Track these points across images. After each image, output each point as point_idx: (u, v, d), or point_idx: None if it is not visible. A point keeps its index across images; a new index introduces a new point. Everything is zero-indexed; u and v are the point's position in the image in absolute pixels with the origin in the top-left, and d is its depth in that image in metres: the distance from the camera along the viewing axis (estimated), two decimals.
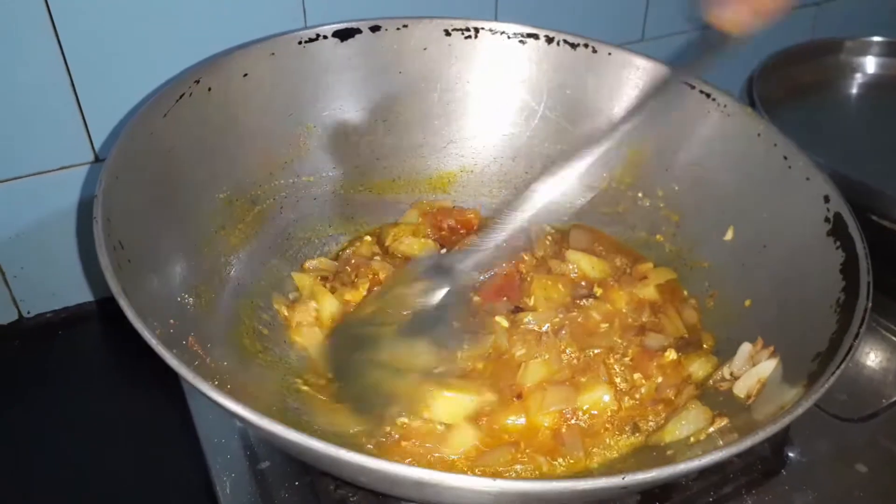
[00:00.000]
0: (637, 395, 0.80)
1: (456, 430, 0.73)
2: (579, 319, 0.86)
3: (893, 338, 0.99)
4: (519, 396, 0.78)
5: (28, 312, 1.08)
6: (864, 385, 0.93)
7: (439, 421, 0.74)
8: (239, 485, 0.78)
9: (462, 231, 1.00)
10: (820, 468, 0.82)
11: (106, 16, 0.89)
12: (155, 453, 0.92)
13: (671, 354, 0.83)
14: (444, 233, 1.01)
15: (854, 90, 1.39)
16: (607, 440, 0.77)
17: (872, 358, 0.97)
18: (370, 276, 0.88)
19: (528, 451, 0.74)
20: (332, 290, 0.89)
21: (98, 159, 0.99)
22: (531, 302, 0.88)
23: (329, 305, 0.87)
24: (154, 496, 0.89)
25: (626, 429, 0.78)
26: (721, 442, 0.68)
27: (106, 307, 1.10)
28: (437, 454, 0.73)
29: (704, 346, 0.87)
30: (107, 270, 0.60)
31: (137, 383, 1.01)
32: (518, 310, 0.88)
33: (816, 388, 0.60)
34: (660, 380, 0.81)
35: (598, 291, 0.90)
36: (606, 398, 0.79)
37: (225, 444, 0.82)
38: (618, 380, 0.81)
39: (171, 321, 0.68)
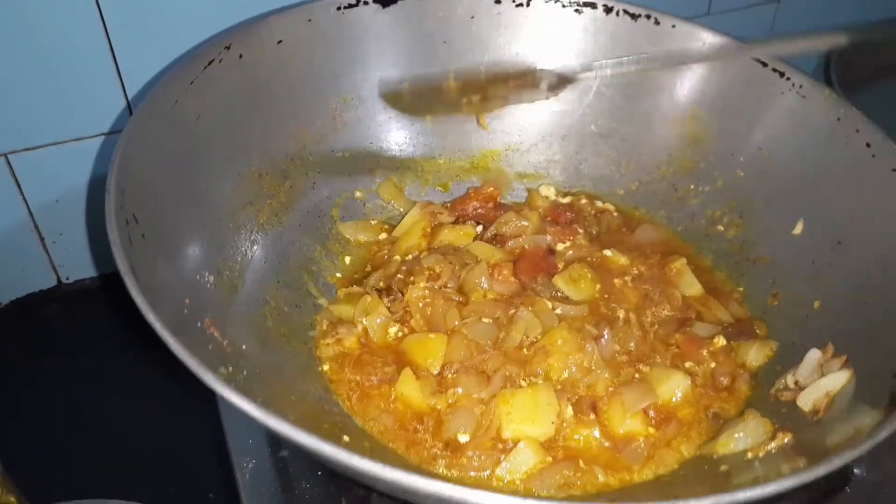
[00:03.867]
0: (697, 381, 0.76)
1: (516, 452, 0.68)
2: (619, 314, 0.81)
3: None
4: (593, 409, 0.72)
5: (67, 278, 1.07)
6: None
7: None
8: (259, 472, 0.75)
9: (490, 205, 0.95)
10: (888, 487, 0.74)
11: None
12: (177, 424, 0.90)
13: (720, 341, 0.79)
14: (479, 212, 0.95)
15: None
16: (678, 445, 0.71)
17: None
18: (426, 273, 0.82)
19: (585, 466, 0.68)
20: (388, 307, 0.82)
21: None
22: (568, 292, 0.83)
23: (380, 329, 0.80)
24: (172, 463, 0.87)
25: (708, 416, 0.74)
26: (783, 461, 0.61)
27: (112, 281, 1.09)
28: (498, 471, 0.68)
29: (758, 332, 0.81)
30: (115, 245, 0.56)
31: (155, 361, 0.99)
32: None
33: None
34: (713, 365, 0.77)
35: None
36: (685, 382, 0.74)
37: (247, 430, 0.78)
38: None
39: (187, 301, 0.64)
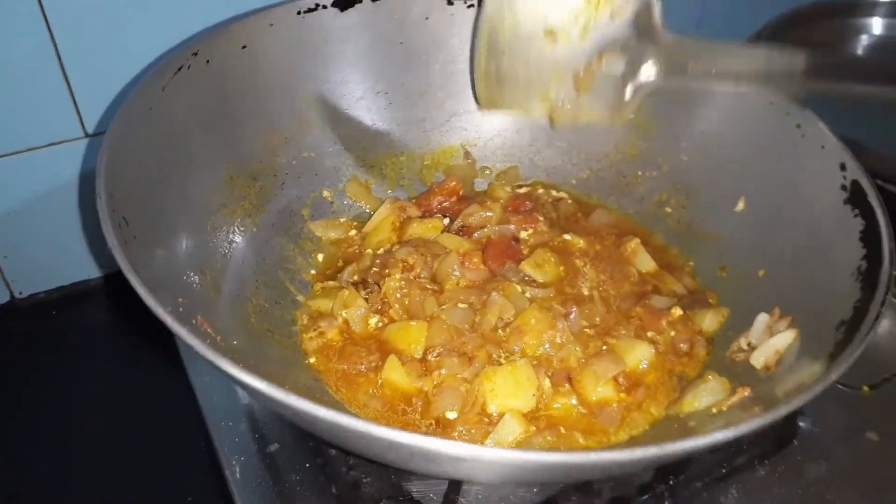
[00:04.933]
0: (660, 349, 0.81)
1: (503, 424, 0.72)
2: (584, 292, 0.87)
3: None
4: (568, 380, 0.77)
5: (20, 293, 1.06)
6: (873, 354, 0.92)
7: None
8: (248, 468, 0.77)
9: (454, 199, 0.99)
10: (831, 437, 0.82)
11: None
12: (157, 434, 0.91)
13: (677, 311, 0.85)
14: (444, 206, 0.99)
15: (860, 51, 1.37)
16: (648, 407, 0.77)
17: (881, 326, 0.97)
18: (400, 265, 0.85)
19: (565, 432, 0.73)
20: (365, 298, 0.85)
21: (88, 134, 0.97)
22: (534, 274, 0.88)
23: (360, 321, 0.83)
24: (155, 466, 0.88)
25: (672, 379, 0.79)
26: (744, 412, 0.68)
27: (99, 284, 1.09)
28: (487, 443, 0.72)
29: (711, 301, 0.88)
30: (114, 247, 0.58)
31: (137, 364, 0.99)
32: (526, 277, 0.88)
33: (846, 354, 0.60)
34: (672, 334, 0.83)
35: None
36: (650, 350, 0.80)
37: (232, 428, 0.81)
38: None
39: (180, 299, 0.66)
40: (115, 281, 1.08)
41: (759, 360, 0.75)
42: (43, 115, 0.92)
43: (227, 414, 0.82)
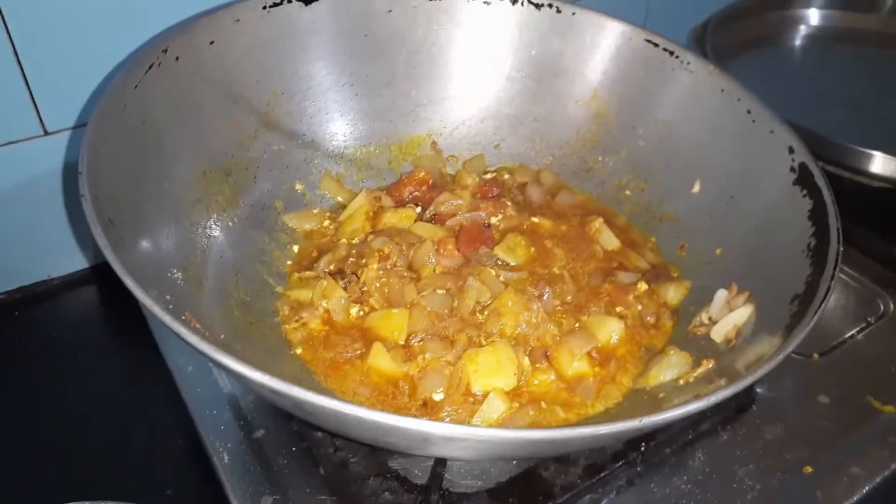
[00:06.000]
0: (628, 323, 0.86)
1: (488, 402, 0.75)
2: (555, 272, 0.91)
3: (847, 279, 1.05)
4: (546, 357, 0.81)
5: None
6: (821, 323, 0.99)
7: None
8: (236, 454, 0.79)
9: (424, 188, 1.01)
10: (786, 402, 0.89)
11: None
12: (136, 426, 0.91)
13: (642, 286, 0.89)
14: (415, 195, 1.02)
15: (798, 42, 1.45)
16: (620, 379, 0.81)
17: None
18: (376, 255, 0.88)
19: (546, 406, 0.77)
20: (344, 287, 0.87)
21: (47, 133, 0.95)
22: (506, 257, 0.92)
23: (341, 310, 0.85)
24: (136, 469, 0.87)
25: (642, 351, 0.84)
26: (708, 383, 0.73)
27: (58, 284, 1.08)
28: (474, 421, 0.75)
29: (673, 274, 0.93)
30: (105, 249, 0.58)
31: (112, 359, 0.99)
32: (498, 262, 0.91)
33: (802, 326, 0.65)
34: (639, 307, 0.88)
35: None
36: (620, 326, 0.84)
37: (217, 416, 0.82)
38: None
39: (168, 296, 0.67)
40: (77, 279, 1.08)
41: (719, 333, 0.80)
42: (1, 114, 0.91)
43: (210, 403, 0.83)
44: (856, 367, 0.93)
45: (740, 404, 0.88)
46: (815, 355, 0.93)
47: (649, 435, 0.82)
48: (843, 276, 1.05)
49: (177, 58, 0.84)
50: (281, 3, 0.94)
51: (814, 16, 1.46)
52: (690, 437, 0.84)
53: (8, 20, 0.85)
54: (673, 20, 1.42)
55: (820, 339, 0.95)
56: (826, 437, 0.85)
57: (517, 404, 0.76)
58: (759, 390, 0.90)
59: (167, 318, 0.55)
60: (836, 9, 1.45)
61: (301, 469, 0.78)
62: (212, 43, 0.88)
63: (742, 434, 0.85)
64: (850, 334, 0.97)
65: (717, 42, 1.25)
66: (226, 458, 0.78)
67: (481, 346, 0.80)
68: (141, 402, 0.92)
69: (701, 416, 0.85)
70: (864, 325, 0.99)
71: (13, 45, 0.87)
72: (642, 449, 0.81)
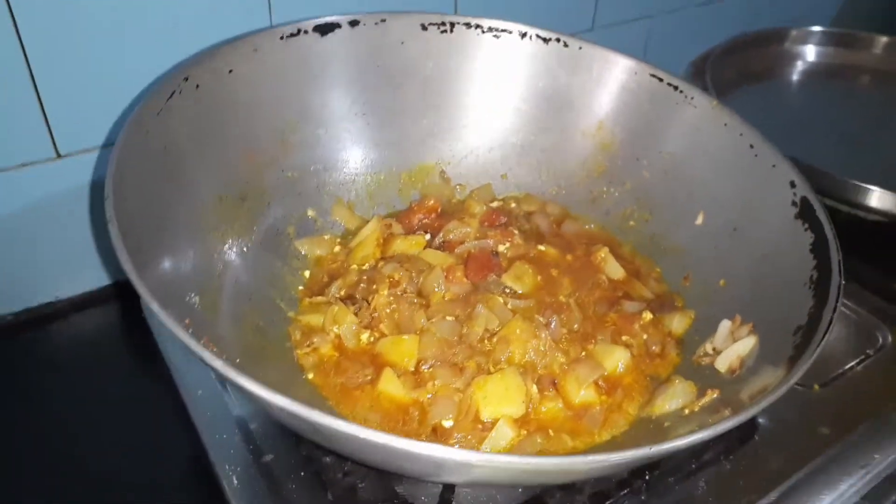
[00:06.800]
0: (634, 352, 0.87)
1: (497, 430, 0.77)
2: (561, 300, 0.92)
3: (846, 311, 1.06)
4: (553, 385, 0.82)
5: None
6: (822, 355, 1.01)
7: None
8: (245, 478, 0.79)
9: (433, 216, 1.03)
10: (788, 432, 0.89)
11: (68, 11, 0.88)
12: (146, 448, 0.91)
13: (647, 315, 0.91)
14: (424, 223, 1.04)
15: (796, 77, 1.49)
16: (626, 407, 0.82)
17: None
18: (387, 281, 0.89)
19: (554, 434, 0.78)
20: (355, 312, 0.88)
21: (59, 156, 0.97)
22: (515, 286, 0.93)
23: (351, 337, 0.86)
24: (145, 491, 0.88)
25: (647, 380, 0.85)
26: (712, 413, 0.74)
27: (66, 305, 1.08)
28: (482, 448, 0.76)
29: (678, 304, 0.95)
30: (132, 275, 0.60)
31: (124, 381, 1.00)
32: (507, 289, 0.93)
33: (805, 357, 0.66)
34: (645, 336, 0.89)
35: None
36: (626, 355, 0.86)
37: (227, 440, 0.83)
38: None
39: (187, 321, 0.68)
40: (84, 301, 1.09)
41: (723, 364, 0.82)
42: (14, 136, 0.93)
43: (220, 427, 0.84)
44: (856, 398, 0.94)
45: (743, 434, 0.89)
46: (816, 386, 0.94)
47: (654, 464, 0.83)
48: (843, 308, 1.07)
49: (197, 85, 0.86)
50: (298, 34, 0.96)
51: (811, 52, 1.50)
52: (694, 466, 0.85)
53: (26, 45, 0.87)
54: (671, 52, 1.47)
55: (821, 370, 0.96)
56: (827, 468, 0.85)
57: (525, 432, 0.77)
58: (761, 421, 0.91)
59: (193, 344, 0.56)
60: (832, 45, 1.50)
61: (310, 494, 0.78)
62: (230, 71, 0.90)
63: (745, 464, 0.85)
64: (849, 365, 0.98)
65: (716, 74, 1.29)
66: (235, 481, 0.79)
67: (490, 373, 0.81)
68: (150, 426, 0.92)
69: (704, 445, 0.86)
70: (863, 356, 1.00)
71: (30, 69, 0.89)
72: (647, 478, 0.82)
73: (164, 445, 0.90)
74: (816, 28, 1.50)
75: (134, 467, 0.88)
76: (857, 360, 0.99)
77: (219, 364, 0.55)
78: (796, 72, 1.50)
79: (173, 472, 0.89)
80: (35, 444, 0.90)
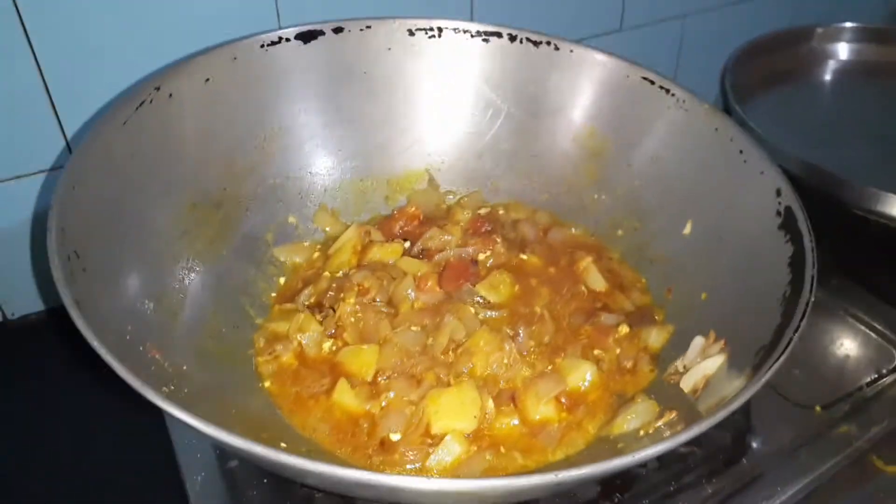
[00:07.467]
0: (604, 367, 0.84)
1: (444, 445, 0.75)
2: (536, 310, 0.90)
3: (861, 326, 1.00)
4: (512, 399, 0.80)
5: (13, 314, 1.09)
6: (828, 373, 0.94)
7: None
8: (208, 483, 0.80)
9: (415, 223, 1.02)
10: (780, 456, 0.84)
11: (78, 22, 0.90)
12: (129, 449, 0.92)
13: (624, 328, 0.88)
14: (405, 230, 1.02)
15: (828, 76, 1.40)
16: (587, 426, 0.79)
17: (839, 346, 0.98)
18: (355, 289, 0.88)
19: (505, 451, 0.76)
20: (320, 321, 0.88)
21: None
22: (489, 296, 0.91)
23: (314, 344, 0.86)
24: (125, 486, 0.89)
25: (613, 398, 0.82)
26: (666, 434, 0.70)
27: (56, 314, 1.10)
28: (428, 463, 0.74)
29: (657, 318, 0.91)
30: (58, 281, 0.61)
31: (104, 387, 1.01)
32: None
33: (754, 382, 0.61)
34: (618, 351, 0.86)
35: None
36: (592, 369, 0.82)
37: (195, 444, 0.83)
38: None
39: (129, 327, 0.69)
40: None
41: (688, 383, 0.77)
42: (33, 143, 0.96)
43: (189, 431, 0.84)
44: (860, 422, 0.87)
45: (731, 457, 0.84)
46: (818, 407, 0.89)
47: (624, 484, 0.79)
48: (859, 324, 1.00)
49: (170, 94, 0.87)
50: (279, 42, 0.96)
51: (843, 50, 1.41)
52: (672, 488, 0.81)
53: (39, 56, 0.90)
54: (707, 53, 1.40)
55: (824, 390, 0.91)
56: (821, 496, 0.80)
57: (475, 448, 0.75)
58: (753, 443, 0.86)
59: (103, 351, 0.57)
60: (867, 42, 1.39)
61: (269, 502, 0.78)
62: (207, 80, 0.91)
63: (726, 488, 0.80)
64: (857, 386, 0.92)
65: (738, 78, 1.22)
66: (198, 487, 0.80)
67: (449, 385, 0.79)
68: (125, 427, 0.94)
69: (683, 468, 0.82)
70: (875, 376, 0.93)
71: (43, 78, 0.92)
72: (616, 499, 0.79)
73: (140, 448, 0.92)
74: (848, 24, 1.40)
75: (105, 466, 0.90)
76: (868, 381, 0.93)
77: (123, 373, 0.56)
78: (828, 71, 1.41)
79: (144, 473, 0.90)
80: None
